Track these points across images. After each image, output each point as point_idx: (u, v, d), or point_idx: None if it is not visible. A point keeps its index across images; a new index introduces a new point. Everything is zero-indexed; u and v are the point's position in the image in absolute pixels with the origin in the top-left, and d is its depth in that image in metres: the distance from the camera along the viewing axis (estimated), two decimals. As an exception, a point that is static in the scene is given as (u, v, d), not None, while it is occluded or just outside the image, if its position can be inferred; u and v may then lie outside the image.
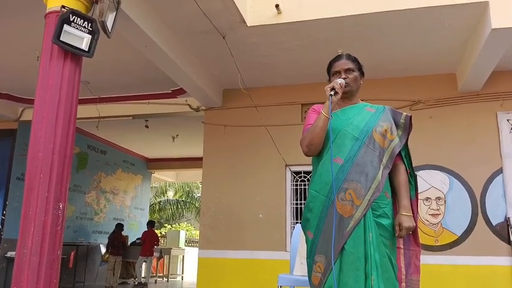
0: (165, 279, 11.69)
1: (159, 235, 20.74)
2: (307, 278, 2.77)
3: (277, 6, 4.69)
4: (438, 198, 5.70)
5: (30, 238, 2.84)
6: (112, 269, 9.37)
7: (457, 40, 5.09)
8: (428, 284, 3.25)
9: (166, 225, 24.39)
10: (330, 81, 2.43)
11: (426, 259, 5.32)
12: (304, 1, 4.75)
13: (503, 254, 5.35)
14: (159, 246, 11.22)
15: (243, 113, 6.49)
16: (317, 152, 2.27)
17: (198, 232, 22.64)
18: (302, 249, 2.93)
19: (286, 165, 6.21)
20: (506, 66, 5.53)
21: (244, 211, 6.20)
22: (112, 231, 9.97)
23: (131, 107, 7.26)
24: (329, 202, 2.15)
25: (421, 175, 5.61)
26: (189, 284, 10.92)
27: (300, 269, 2.91)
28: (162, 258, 11.49)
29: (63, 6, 3.20)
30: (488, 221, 5.50)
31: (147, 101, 7.10)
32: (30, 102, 7.28)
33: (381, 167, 2.19)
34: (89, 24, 3.27)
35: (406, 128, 2.34)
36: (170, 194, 25.72)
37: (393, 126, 2.31)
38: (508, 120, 5.67)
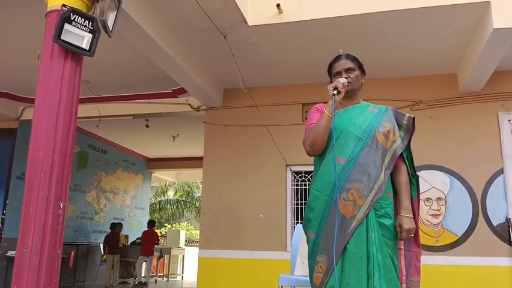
0: (165, 278, 11.68)
1: (159, 235, 20.75)
2: (308, 278, 2.76)
3: (278, 5, 4.68)
4: (439, 198, 5.70)
5: (30, 237, 2.83)
6: (110, 269, 9.38)
7: (458, 40, 5.08)
8: (429, 285, 3.24)
9: (166, 224, 24.41)
10: (331, 82, 2.42)
11: (427, 259, 5.33)
12: (306, 1, 4.74)
13: (504, 255, 5.34)
14: (159, 246, 11.21)
15: (243, 112, 6.48)
16: (320, 151, 2.27)
17: (198, 232, 22.63)
18: (303, 249, 2.93)
19: (286, 165, 6.21)
20: (507, 66, 5.52)
21: (244, 211, 6.19)
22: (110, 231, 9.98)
23: (131, 107, 7.25)
24: (331, 202, 2.14)
25: (422, 175, 5.60)
26: (189, 284, 10.91)
27: (301, 269, 2.90)
28: (162, 258, 11.48)
29: (64, 5, 3.19)
30: (489, 222, 5.49)
31: (148, 100, 7.10)
32: (30, 101, 7.27)
33: (384, 168, 2.19)
34: (90, 23, 3.26)
35: (409, 129, 2.33)
36: (170, 194, 25.74)
37: (396, 127, 2.31)
38: (509, 120, 5.66)
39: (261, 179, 6.24)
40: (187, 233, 21.56)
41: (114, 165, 10.89)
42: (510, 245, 5.35)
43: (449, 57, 5.55)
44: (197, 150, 10.28)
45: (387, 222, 2.14)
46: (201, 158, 6.73)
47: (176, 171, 14.64)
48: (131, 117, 7.42)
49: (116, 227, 9.81)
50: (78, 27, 3.19)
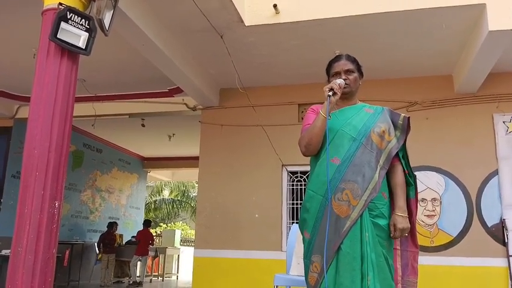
0: (160, 278, 11.67)
1: (154, 234, 20.70)
2: (303, 278, 2.77)
3: (275, 6, 4.68)
4: (434, 199, 5.72)
5: (25, 236, 2.82)
6: (105, 268, 9.35)
7: (453, 42, 5.11)
8: (424, 285, 3.25)
9: (161, 224, 24.35)
10: (329, 81, 2.43)
11: (422, 260, 5.29)
12: (303, 1, 4.75)
13: (498, 256, 5.37)
14: (154, 246, 11.19)
15: (239, 112, 6.48)
16: (315, 152, 2.27)
17: (193, 231, 22.59)
18: (299, 249, 2.93)
19: (282, 165, 6.21)
20: (503, 68, 5.54)
21: (240, 211, 6.19)
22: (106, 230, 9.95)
23: (127, 106, 7.24)
24: (326, 202, 2.15)
25: (417, 176, 5.58)
26: (184, 284, 10.90)
27: (297, 269, 2.90)
28: (157, 258, 11.46)
29: (60, 4, 3.18)
30: (483, 223, 5.52)
31: (144, 99, 7.08)
32: (26, 99, 7.23)
33: (378, 168, 2.20)
34: (87, 22, 3.25)
35: (404, 129, 2.34)
36: (165, 193, 25.66)
37: (391, 127, 2.32)
38: (504, 122, 5.69)
39: (257, 179, 6.25)
40: (183, 232, 21.48)
41: (109, 164, 10.86)
42: (504, 245, 5.38)
43: (445, 59, 5.57)
44: (193, 150, 10.27)
45: (382, 222, 2.15)
46: (197, 158, 6.73)
47: (171, 171, 14.61)
48: (127, 116, 7.40)
49: (112, 226, 9.77)
50: (74, 26, 3.18)
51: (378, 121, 2.29)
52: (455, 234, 5.57)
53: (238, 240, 6.10)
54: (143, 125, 8.24)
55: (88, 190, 10.04)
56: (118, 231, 10.17)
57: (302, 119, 6.40)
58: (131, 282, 9.56)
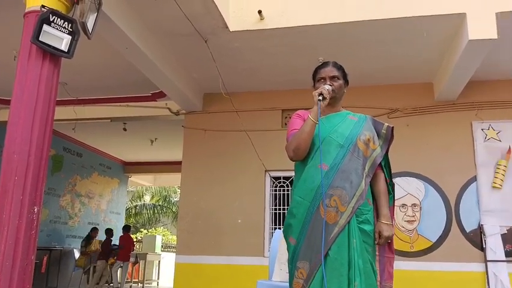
0: (140, 284, 11.51)
1: (135, 240, 20.44)
2: (286, 284, 2.77)
3: (260, 12, 4.71)
4: (414, 205, 5.80)
5: (3, 242, 2.75)
6: (100, 274, 9.29)
7: (434, 50, 5.21)
8: (404, 290, 3.29)
9: (142, 230, 24.07)
10: (314, 87, 2.45)
11: (402, 265, 5.42)
12: (287, 8, 4.79)
13: (477, 261, 5.46)
14: (135, 252, 11.05)
15: (223, 117, 6.47)
16: (303, 157, 2.28)
17: (174, 237, 22.40)
18: (281, 255, 2.93)
19: (265, 170, 6.22)
20: (482, 76, 5.66)
21: (222, 216, 6.16)
22: (85, 235, 9.80)
23: (109, 110, 7.15)
24: (313, 208, 2.16)
25: (397, 182, 5.69)
26: (165, 290, 10.78)
27: (279, 275, 2.90)
28: (137, 264, 11.32)
29: (43, 6, 3.14)
30: (462, 228, 5.61)
31: (126, 103, 7.01)
32: (5, 102, 7.09)
33: (364, 175, 2.22)
34: (69, 25, 3.22)
35: (387, 138, 2.38)
36: (146, 199, 25.39)
37: (375, 135, 2.35)
38: (482, 129, 5.81)
39: (239, 184, 6.23)
40: (164, 238, 21.29)
41: (90, 168, 10.70)
42: (482, 251, 5.48)
43: (426, 67, 5.68)
44: (175, 155, 10.20)
45: (368, 228, 2.17)
46: (179, 163, 6.68)
47: (153, 176, 14.48)
48: (109, 120, 7.31)
49: (111, 233, 9.80)
50: (57, 29, 3.15)
51: (364, 129, 2.32)
52: (434, 240, 5.65)
53: (220, 246, 6.07)
54: (125, 129, 8.16)
55: (68, 195, 9.87)
56: (98, 237, 10.01)
57: (286, 124, 6.45)
58: None
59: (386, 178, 2.37)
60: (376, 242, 2.20)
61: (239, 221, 6.10)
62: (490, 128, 5.80)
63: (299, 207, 2.20)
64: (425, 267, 5.54)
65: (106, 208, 11.57)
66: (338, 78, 2.40)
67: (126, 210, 17.94)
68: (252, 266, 5.83)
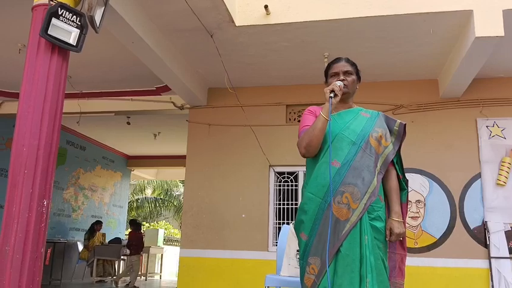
0: (143, 277, 11.57)
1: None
2: (294, 279, 2.79)
3: (266, 7, 4.70)
4: (418, 201, 5.81)
5: (13, 235, 2.77)
6: (130, 268, 9.21)
7: (440, 47, 5.20)
8: (407, 286, 3.30)
9: (144, 223, 24.15)
10: (326, 82, 2.45)
11: (406, 261, 5.43)
12: (293, 3, 4.77)
13: (480, 257, 5.48)
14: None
15: (227, 112, 6.48)
16: (315, 153, 2.28)
17: (176, 231, 22.48)
18: (290, 250, 2.95)
19: (270, 165, 6.23)
20: (486, 73, 5.66)
21: (227, 211, 6.19)
22: (88, 228, 9.82)
23: (113, 103, 7.16)
24: (324, 205, 2.17)
25: (402, 178, 5.69)
26: (168, 283, 10.83)
27: (288, 270, 2.92)
28: (140, 257, 11.35)
29: (51, 0, 3.14)
30: (466, 225, 5.63)
31: (130, 97, 7.02)
32: (9, 95, 7.10)
33: (376, 172, 2.23)
34: (78, 19, 3.21)
35: (400, 135, 2.39)
36: (148, 192, 25.45)
37: (388, 132, 2.36)
38: (487, 126, 5.81)
39: (244, 179, 6.25)
40: (166, 231, 21.35)
41: (93, 162, 10.73)
42: (486, 247, 5.49)
43: (431, 63, 5.67)
44: (178, 149, 10.24)
45: (379, 225, 2.18)
46: (182, 157, 6.70)
47: (156, 170, 14.51)
48: (113, 114, 7.32)
49: (139, 226, 9.79)
50: (65, 22, 3.14)
51: (376, 126, 2.32)
52: (438, 236, 5.67)
53: (224, 241, 6.10)
54: (128, 123, 8.17)
55: (71, 188, 9.90)
56: (102, 230, 10.06)
57: (290, 120, 6.46)
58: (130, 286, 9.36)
59: (398, 175, 2.36)
60: (387, 239, 2.20)
61: (243, 215, 6.12)
62: (495, 125, 5.80)
63: (310, 204, 2.21)
64: (429, 263, 5.56)
65: (109, 201, 11.60)
66: (351, 74, 2.41)
67: (128, 203, 17.99)
68: (255, 261, 5.86)
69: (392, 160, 2.35)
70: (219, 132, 6.46)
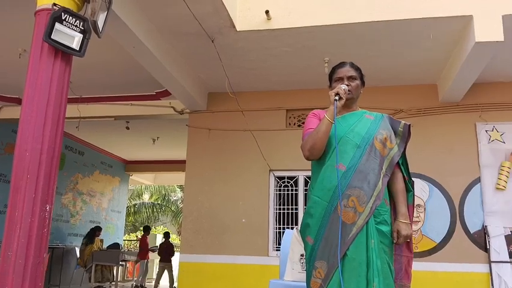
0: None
1: (135, 239, 20.40)
2: (298, 284, 2.78)
3: (267, 12, 4.71)
4: (418, 205, 5.82)
5: (16, 240, 2.75)
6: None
7: (440, 52, 5.22)
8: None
9: (141, 228, 24.04)
10: (330, 86, 2.46)
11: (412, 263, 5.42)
12: (294, 8, 4.80)
13: (481, 261, 5.49)
14: (136, 250, 11.10)
15: (227, 117, 6.48)
16: (318, 156, 2.28)
17: (174, 236, 22.37)
18: (293, 254, 2.94)
19: (270, 170, 6.22)
20: (486, 78, 5.68)
21: (227, 215, 6.18)
22: (86, 233, 9.81)
23: (113, 108, 7.15)
24: (331, 208, 2.17)
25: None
26: (166, 288, 10.78)
27: (291, 275, 2.91)
28: (138, 262, 11.30)
29: (54, 4, 3.14)
30: (466, 229, 5.64)
31: (130, 102, 7.01)
32: (9, 100, 7.06)
33: (382, 175, 2.23)
34: (81, 23, 3.22)
35: (404, 136, 2.39)
36: (145, 197, 25.39)
37: (392, 134, 2.36)
38: (486, 131, 5.83)
39: (244, 183, 6.24)
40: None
41: (91, 167, 10.70)
42: (486, 252, 5.50)
43: (431, 68, 5.69)
44: (176, 154, 10.24)
45: (385, 228, 2.18)
46: (180, 162, 6.70)
47: (154, 175, 14.48)
48: (113, 118, 7.32)
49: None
50: (69, 27, 3.14)
51: (380, 128, 2.32)
52: (438, 240, 5.67)
53: (224, 245, 6.08)
54: (127, 128, 8.16)
55: (69, 193, 9.87)
56: (100, 236, 10.02)
57: (290, 124, 6.47)
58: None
59: (404, 176, 2.37)
60: (394, 242, 2.20)
61: (243, 220, 6.11)
62: (494, 130, 5.82)
63: (317, 207, 2.21)
64: (429, 267, 5.56)
65: (107, 207, 11.57)
66: (355, 79, 2.42)
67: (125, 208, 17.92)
68: (256, 266, 5.85)
69: (398, 162, 2.35)
70: (219, 136, 6.45)
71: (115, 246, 10.08)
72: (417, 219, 5.78)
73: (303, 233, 2.26)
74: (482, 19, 4.39)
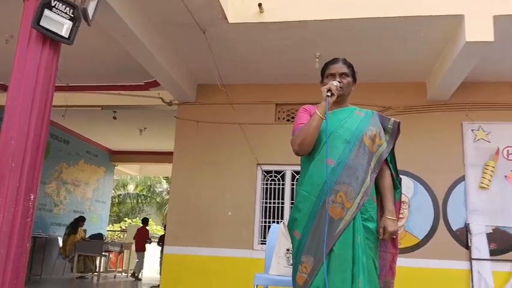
0: (124, 274, 11.47)
1: (119, 229, 20.27)
2: (283, 278, 2.80)
3: (260, 5, 4.68)
4: (403, 202, 5.87)
5: (-2, 229, 2.71)
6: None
7: (429, 50, 5.26)
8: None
9: (126, 219, 23.92)
10: (322, 82, 2.46)
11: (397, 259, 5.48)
12: (287, 2, 4.78)
13: (462, 259, 5.58)
14: (120, 241, 11.04)
15: (216, 109, 6.44)
16: (308, 151, 2.28)
17: (159, 227, 22.28)
18: (279, 249, 2.95)
19: (257, 164, 6.22)
20: (473, 78, 5.72)
21: (213, 208, 6.16)
22: (69, 223, 9.71)
23: (100, 97, 7.04)
24: (319, 203, 2.17)
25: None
26: (149, 280, 10.76)
27: (277, 269, 2.92)
28: (122, 253, 11.26)
29: (44, -10, 3.08)
30: (448, 226, 5.72)
31: (118, 92, 6.92)
32: (-7, 86, 6.93)
33: (370, 171, 2.24)
34: (71, 11, 3.16)
35: (394, 133, 2.41)
36: (130, 188, 25.22)
37: (382, 131, 2.37)
38: (472, 130, 5.90)
39: (231, 177, 6.23)
40: (148, 228, 21.15)
41: (76, 156, 10.57)
42: (467, 249, 5.59)
43: (420, 66, 5.73)
44: (163, 145, 10.15)
45: (371, 225, 2.20)
46: (167, 153, 6.65)
47: (140, 165, 14.38)
48: (100, 108, 7.22)
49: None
50: (58, 14, 3.10)
51: (370, 124, 2.33)
52: (421, 237, 5.74)
53: (209, 238, 6.07)
54: (114, 118, 8.06)
55: (53, 182, 9.74)
56: (84, 226, 9.93)
57: (279, 118, 6.46)
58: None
59: (392, 173, 2.39)
60: (380, 238, 2.22)
61: (229, 213, 6.11)
62: (480, 129, 5.90)
63: (305, 202, 2.22)
64: (412, 263, 5.62)
65: (92, 197, 11.46)
66: (347, 75, 2.42)
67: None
68: (241, 259, 5.85)
69: (386, 159, 2.36)
70: (207, 129, 6.42)
71: (98, 236, 10.00)
72: (401, 216, 5.84)
73: (290, 227, 2.27)
74: (473, 19, 4.41)
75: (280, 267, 2.95)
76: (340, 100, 2.39)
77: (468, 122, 5.92)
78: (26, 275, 8.32)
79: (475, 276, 5.48)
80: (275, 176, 6.26)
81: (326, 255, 2.06)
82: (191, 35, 5.07)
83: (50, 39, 3.08)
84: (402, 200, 5.80)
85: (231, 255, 5.94)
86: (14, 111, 2.90)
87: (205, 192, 6.23)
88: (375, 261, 2.18)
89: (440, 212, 5.77)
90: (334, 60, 2.48)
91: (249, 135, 6.16)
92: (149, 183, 24.85)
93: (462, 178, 5.81)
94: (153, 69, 5.52)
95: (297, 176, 6.09)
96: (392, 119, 2.44)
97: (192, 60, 5.85)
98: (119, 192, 24.26)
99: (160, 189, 25.85)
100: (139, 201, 24.77)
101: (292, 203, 6.07)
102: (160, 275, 9.35)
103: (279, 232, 3.03)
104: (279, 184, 6.22)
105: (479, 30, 4.37)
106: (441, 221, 5.76)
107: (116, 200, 23.73)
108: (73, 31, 3.18)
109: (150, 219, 25.60)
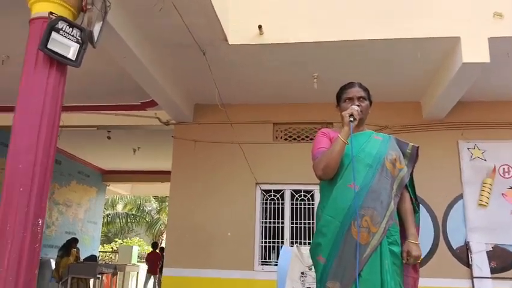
0: (117, 296, 11.22)
1: (110, 250, 19.91)
2: (296, 301, 2.76)
3: (260, 27, 4.74)
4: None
5: (6, 256, 2.64)
6: None
7: (425, 71, 5.35)
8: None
9: (116, 239, 23.55)
10: (339, 106, 2.48)
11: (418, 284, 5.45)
12: (286, 24, 4.84)
13: (463, 277, 5.59)
14: (114, 263, 10.84)
15: (214, 128, 6.44)
16: (331, 175, 2.28)
17: (150, 247, 21.97)
18: (293, 272, 2.92)
19: (256, 183, 6.20)
20: (468, 97, 5.81)
21: (212, 229, 6.10)
22: (62, 245, 9.51)
23: (96, 117, 6.99)
24: (344, 228, 2.16)
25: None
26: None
27: (290, 292, 2.89)
28: (116, 275, 11.02)
29: (51, 13, 3.08)
30: (449, 245, 5.73)
31: (114, 112, 6.88)
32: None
33: (393, 195, 2.24)
34: (78, 33, 3.16)
35: (413, 157, 2.43)
36: (119, 207, 24.91)
37: (401, 155, 2.39)
38: (468, 148, 5.98)
39: (230, 196, 6.20)
40: (140, 248, 20.83)
41: (68, 176, 10.43)
42: (468, 267, 5.60)
43: (416, 86, 5.82)
44: (156, 164, 10.09)
45: (396, 249, 2.20)
46: (160, 172, 6.59)
47: (131, 185, 14.24)
48: (96, 128, 7.16)
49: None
50: (65, 37, 3.08)
51: (390, 149, 2.35)
52: (422, 256, 5.71)
53: (209, 259, 5.99)
54: (109, 138, 8.00)
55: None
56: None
57: (277, 138, 6.48)
58: None
59: (411, 197, 2.39)
60: (405, 262, 2.22)
61: (229, 233, 6.05)
62: (476, 148, 5.98)
63: (329, 226, 2.20)
64: (413, 282, 5.60)
65: (84, 217, 11.28)
66: (364, 99, 2.45)
67: (100, 219, 17.51)
68: (241, 280, 5.79)
69: (405, 183, 2.37)
70: (205, 148, 6.40)
71: (92, 258, 9.80)
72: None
73: (314, 252, 2.24)
74: (470, 41, 4.52)
75: (292, 291, 2.92)
76: (358, 124, 2.40)
77: (464, 141, 6.00)
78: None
79: (476, 295, 5.48)
80: (274, 196, 6.24)
81: (353, 280, 2.05)
82: (190, 56, 5.09)
83: (57, 61, 3.06)
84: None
85: (232, 276, 5.87)
86: (21, 136, 2.85)
87: (203, 212, 6.18)
88: (402, 285, 2.17)
89: (440, 231, 5.80)
90: (350, 84, 2.50)
91: (247, 154, 6.15)
92: (138, 202, 24.59)
93: (460, 196, 5.86)
94: (152, 90, 5.52)
95: (296, 195, 6.09)
96: (411, 143, 2.47)
97: (191, 80, 5.86)
98: (108, 212, 23.93)
99: (149, 208, 25.59)
100: (129, 220, 24.44)
101: (292, 223, 6.05)
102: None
103: (292, 255, 3.01)
104: (278, 203, 6.20)
105: (475, 51, 4.47)
106: (441, 240, 5.79)
107: (105, 220, 23.35)
108: (80, 53, 3.17)
109: (141, 240, 25.30)
